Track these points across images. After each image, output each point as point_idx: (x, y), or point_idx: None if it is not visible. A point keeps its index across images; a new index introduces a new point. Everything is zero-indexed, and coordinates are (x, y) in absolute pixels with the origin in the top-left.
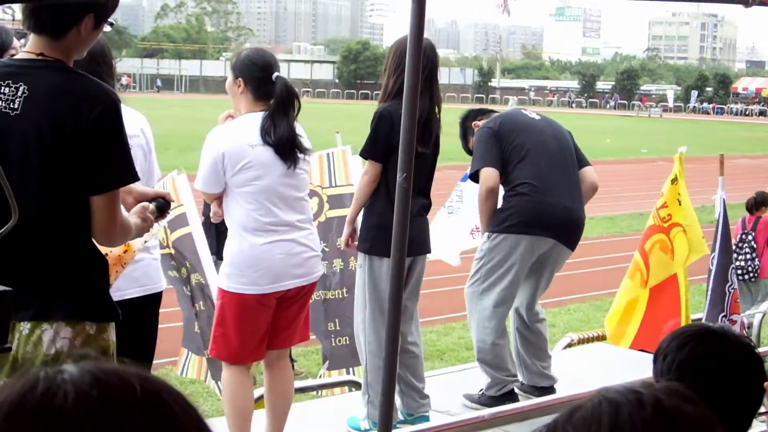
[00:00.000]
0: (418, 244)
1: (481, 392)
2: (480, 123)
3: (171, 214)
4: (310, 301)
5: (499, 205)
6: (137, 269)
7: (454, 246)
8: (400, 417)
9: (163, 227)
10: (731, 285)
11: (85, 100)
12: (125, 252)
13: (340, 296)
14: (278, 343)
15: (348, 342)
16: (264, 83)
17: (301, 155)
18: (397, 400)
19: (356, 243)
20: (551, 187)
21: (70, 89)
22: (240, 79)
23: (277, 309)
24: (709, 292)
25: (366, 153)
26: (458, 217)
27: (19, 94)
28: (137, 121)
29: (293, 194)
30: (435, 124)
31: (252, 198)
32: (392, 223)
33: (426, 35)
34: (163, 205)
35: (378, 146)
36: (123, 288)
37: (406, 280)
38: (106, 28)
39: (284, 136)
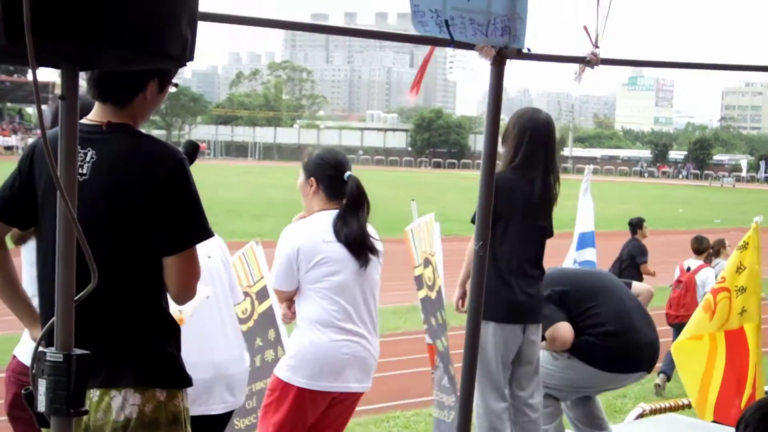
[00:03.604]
0: (530, 312)
1: None
2: None
3: (257, 286)
4: None
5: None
6: (233, 385)
7: None
8: None
9: (250, 299)
10: None
11: (153, 162)
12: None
13: None
14: None
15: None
16: (336, 182)
17: (372, 256)
18: None
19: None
20: (633, 323)
21: (137, 152)
22: (312, 178)
23: (326, 407)
24: None
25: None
26: None
27: (88, 159)
28: (213, 239)
29: (365, 294)
30: (553, 198)
31: (326, 293)
32: (496, 286)
33: None
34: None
35: None
36: (208, 402)
37: (521, 345)
38: (172, 89)
39: (356, 235)
